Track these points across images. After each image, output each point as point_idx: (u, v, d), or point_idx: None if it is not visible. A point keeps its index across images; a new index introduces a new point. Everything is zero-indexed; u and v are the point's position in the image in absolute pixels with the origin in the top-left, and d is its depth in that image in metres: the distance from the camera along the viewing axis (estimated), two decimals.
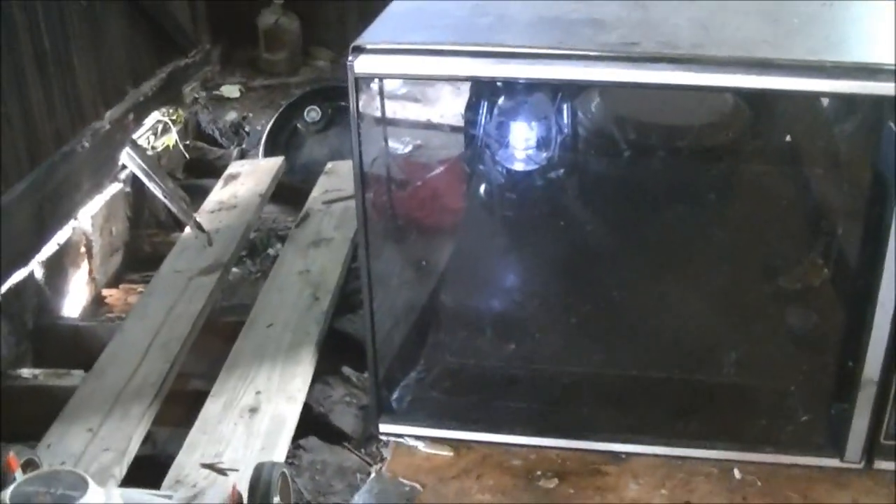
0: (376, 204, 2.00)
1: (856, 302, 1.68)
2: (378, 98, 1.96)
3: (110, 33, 4.00)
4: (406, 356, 1.85)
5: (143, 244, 4.15)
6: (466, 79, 1.75)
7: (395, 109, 2.20)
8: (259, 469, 1.96)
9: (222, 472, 2.24)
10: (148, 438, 2.74)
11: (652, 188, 1.76)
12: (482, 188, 1.86)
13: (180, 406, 2.85)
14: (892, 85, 1.54)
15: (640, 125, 1.76)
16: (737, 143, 1.72)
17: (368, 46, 1.70)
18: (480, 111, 1.82)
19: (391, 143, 2.65)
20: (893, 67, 1.57)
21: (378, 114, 2.13)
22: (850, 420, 1.73)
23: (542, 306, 1.84)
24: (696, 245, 1.76)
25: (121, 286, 3.84)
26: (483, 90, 1.80)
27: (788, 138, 1.68)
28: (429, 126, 2.78)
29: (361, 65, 1.69)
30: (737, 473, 1.76)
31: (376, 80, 1.82)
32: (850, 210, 1.68)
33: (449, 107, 2.10)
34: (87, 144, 3.70)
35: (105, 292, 3.81)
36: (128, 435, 2.41)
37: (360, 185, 1.74)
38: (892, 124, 1.56)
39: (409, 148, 2.72)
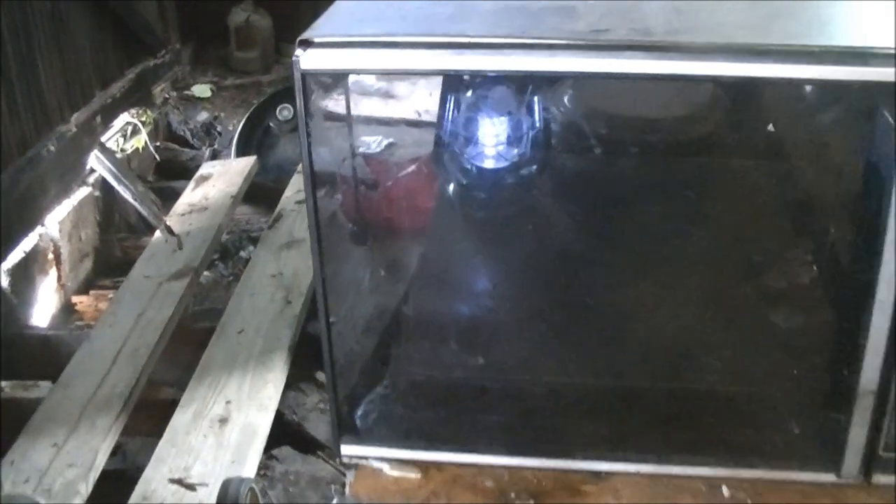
0: (344, 206, 1.92)
1: (850, 303, 1.56)
2: (345, 94, 1.88)
3: (76, 34, 3.91)
4: (370, 370, 1.75)
5: (114, 249, 4.07)
6: (424, 72, 1.63)
7: (367, 105, 2.12)
8: (225, 486, 1.89)
9: (191, 487, 2.16)
10: (118, 450, 2.67)
11: (629, 184, 1.67)
12: (451, 188, 1.78)
13: (151, 415, 2.77)
14: (891, 70, 1.43)
15: (615, 118, 1.66)
16: (717, 134, 1.62)
17: (317, 40, 1.58)
18: (447, 107, 1.74)
19: (363, 141, 2.57)
20: (891, 51, 1.46)
21: (346, 110, 2.05)
22: (847, 432, 1.61)
23: (513, 313, 1.74)
24: (676, 244, 1.67)
25: (91, 293, 3.76)
26: (449, 84, 1.71)
27: (770, 128, 1.59)
28: (403, 123, 2.71)
29: (309, 60, 1.57)
30: (725, 491, 1.66)
31: (345, 76, 1.72)
32: (839, 203, 1.58)
33: (423, 102, 2.02)
34: (52, 149, 3.62)
35: (75, 299, 3.73)
36: (94, 449, 2.33)
37: (311, 191, 1.63)
38: (886, 112, 1.46)
39: (383, 146, 2.65)
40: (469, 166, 1.75)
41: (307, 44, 1.58)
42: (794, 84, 1.53)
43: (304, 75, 1.59)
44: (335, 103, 2.00)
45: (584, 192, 1.74)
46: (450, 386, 1.74)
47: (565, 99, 1.70)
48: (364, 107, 2.22)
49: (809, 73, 1.47)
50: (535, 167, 1.72)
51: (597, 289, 1.72)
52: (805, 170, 1.65)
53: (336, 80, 1.67)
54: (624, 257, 1.72)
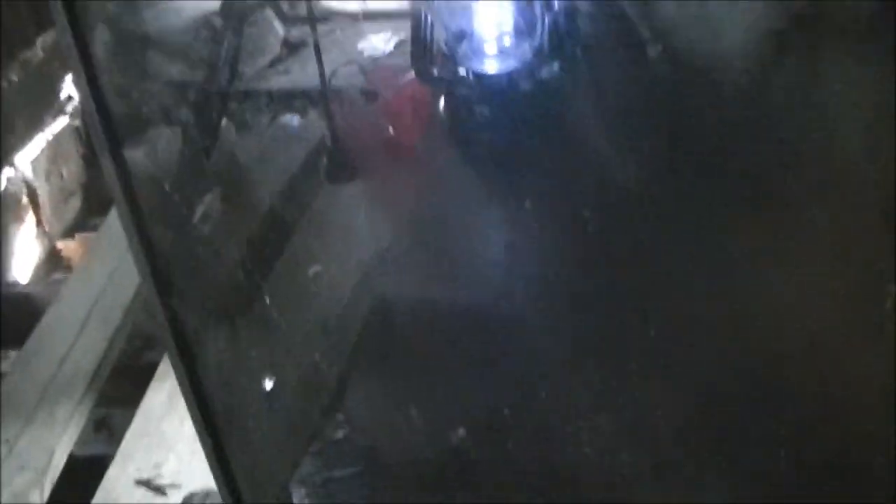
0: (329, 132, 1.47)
1: None
2: None
3: None
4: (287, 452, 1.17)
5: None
6: None
7: None
8: (188, 501, 1.47)
9: (160, 490, 1.75)
10: (102, 424, 2.30)
11: (704, 96, 1.08)
12: (441, 105, 1.27)
13: (131, 383, 2.37)
14: None
15: None
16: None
17: None
18: None
19: (369, 43, 2.09)
20: None
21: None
22: None
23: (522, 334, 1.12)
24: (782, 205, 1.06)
25: (77, 236, 3.35)
26: None
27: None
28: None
29: None
30: None
31: None
32: None
33: None
34: (15, 79, 3.17)
35: (60, 245, 3.33)
36: (49, 447, 1.92)
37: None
38: None
39: (392, 46, 2.16)
40: (464, 72, 1.26)
41: None
42: None
43: None
44: None
45: (638, 104, 1.16)
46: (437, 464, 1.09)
47: None
48: None
49: None
50: (557, 66, 1.20)
51: (670, 282, 1.09)
52: None
53: None
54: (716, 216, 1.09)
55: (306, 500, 0.98)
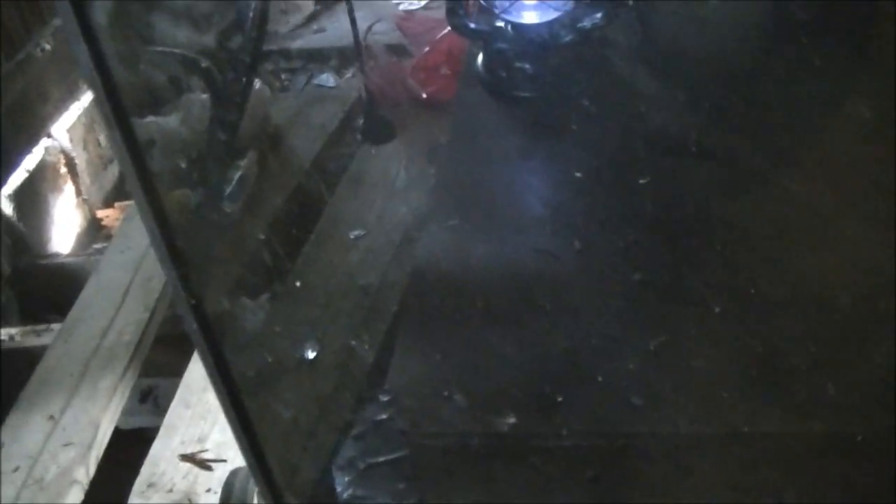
0: (366, 90, 1.42)
1: None
2: None
3: None
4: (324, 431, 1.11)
5: None
6: None
7: None
8: (232, 479, 1.43)
9: (205, 465, 1.72)
10: (148, 395, 2.28)
11: (752, 42, 1.02)
12: (480, 60, 1.21)
13: (175, 351, 2.34)
14: None
15: None
16: None
17: None
18: None
19: None
20: None
21: None
22: None
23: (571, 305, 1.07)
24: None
25: (116, 204, 3.32)
26: None
27: None
28: None
29: None
30: None
31: None
32: None
33: None
34: (48, 46, 3.13)
35: (100, 214, 3.30)
36: (94, 421, 1.90)
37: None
38: None
39: None
40: (502, 23, 1.19)
41: None
42: None
43: None
44: None
45: (683, 52, 1.10)
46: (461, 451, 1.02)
47: None
48: None
49: None
50: (600, 16, 1.12)
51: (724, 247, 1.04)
52: None
53: None
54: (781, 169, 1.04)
55: (349, 487, 0.94)
